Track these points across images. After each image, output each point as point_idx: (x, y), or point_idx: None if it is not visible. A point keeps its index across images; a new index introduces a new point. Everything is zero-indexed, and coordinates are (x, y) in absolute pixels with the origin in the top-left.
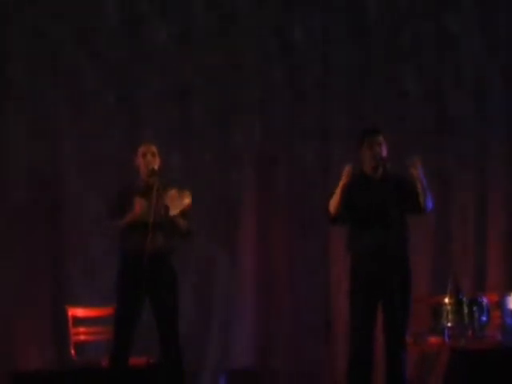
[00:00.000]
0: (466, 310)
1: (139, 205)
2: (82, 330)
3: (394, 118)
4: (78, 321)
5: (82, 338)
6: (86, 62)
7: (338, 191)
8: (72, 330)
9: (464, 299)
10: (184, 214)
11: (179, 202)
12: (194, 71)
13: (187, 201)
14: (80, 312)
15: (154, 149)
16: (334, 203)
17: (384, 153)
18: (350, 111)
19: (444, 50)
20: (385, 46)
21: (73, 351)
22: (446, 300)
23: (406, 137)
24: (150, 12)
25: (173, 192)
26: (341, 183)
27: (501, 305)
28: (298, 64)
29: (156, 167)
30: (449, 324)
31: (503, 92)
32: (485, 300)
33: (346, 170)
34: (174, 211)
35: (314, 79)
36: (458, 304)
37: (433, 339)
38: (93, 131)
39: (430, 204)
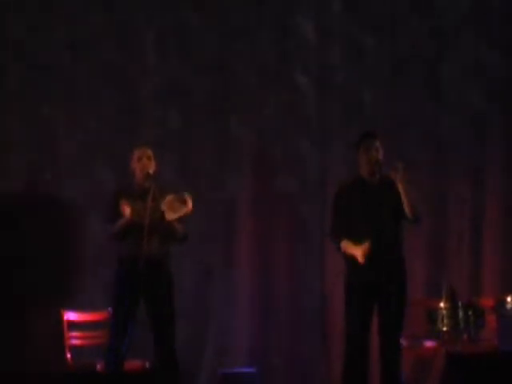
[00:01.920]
0: (461, 314)
1: (126, 207)
2: (76, 334)
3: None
4: (73, 325)
5: (77, 342)
6: (86, 61)
7: (346, 250)
8: (67, 334)
9: (459, 303)
10: (180, 218)
11: (178, 206)
12: (193, 70)
13: (190, 205)
14: (74, 316)
15: (149, 152)
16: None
17: (380, 157)
18: (350, 111)
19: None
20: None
21: (68, 355)
22: (442, 304)
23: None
24: (148, 11)
25: (170, 197)
26: (351, 252)
27: (496, 309)
28: (298, 64)
29: (151, 171)
30: (444, 328)
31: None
32: (480, 304)
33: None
34: (171, 216)
35: (313, 79)
36: (453, 308)
37: (428, 343)
38: (93, 131)
39: (418, 214)
